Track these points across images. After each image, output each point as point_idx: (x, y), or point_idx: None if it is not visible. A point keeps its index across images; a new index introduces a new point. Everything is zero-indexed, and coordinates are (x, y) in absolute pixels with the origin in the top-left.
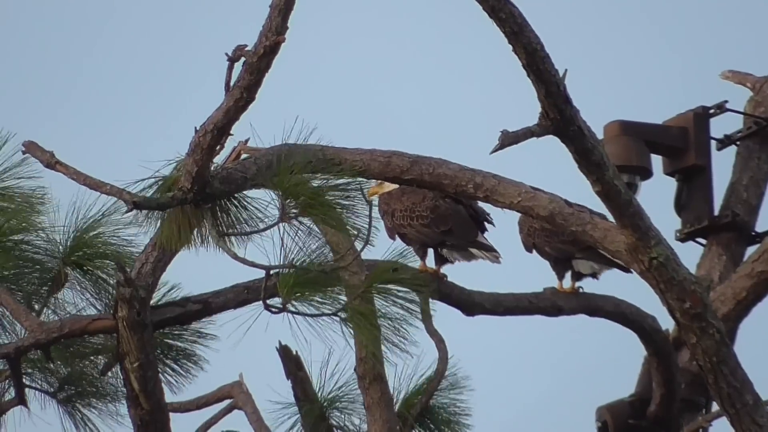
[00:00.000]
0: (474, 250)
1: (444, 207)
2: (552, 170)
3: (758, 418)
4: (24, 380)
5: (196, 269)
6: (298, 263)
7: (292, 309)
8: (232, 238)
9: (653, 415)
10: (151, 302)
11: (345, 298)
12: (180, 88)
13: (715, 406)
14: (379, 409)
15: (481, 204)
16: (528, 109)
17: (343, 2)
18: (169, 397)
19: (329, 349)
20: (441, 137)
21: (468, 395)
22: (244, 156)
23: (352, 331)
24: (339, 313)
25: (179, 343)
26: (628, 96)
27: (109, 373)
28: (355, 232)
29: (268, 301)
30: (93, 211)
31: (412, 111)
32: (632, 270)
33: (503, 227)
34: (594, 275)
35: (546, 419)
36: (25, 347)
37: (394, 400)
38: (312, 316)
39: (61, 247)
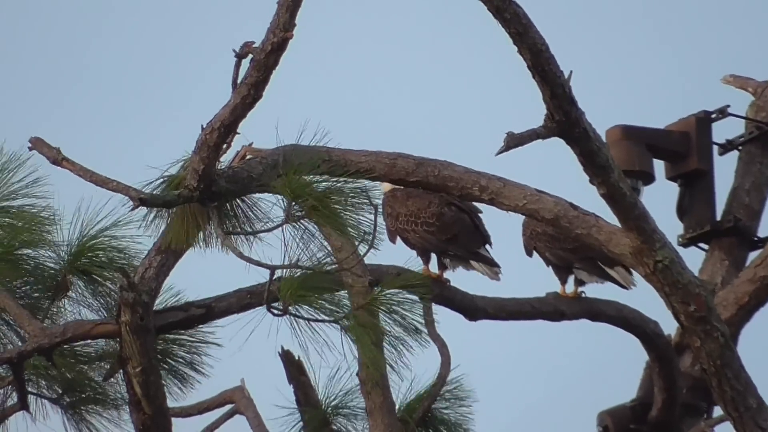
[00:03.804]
0: (475, 264)
1: (449, 215)
2: (557, 173)
3: (762, 422)
4: (27, 387)
5: (200, 274)
6: (303, 264)
7: (294, 312)
8: (237, 241)
9: (655, 420)
10: (154, 307)
11: (348, 305)
12: (187, 86)
13: (717, 411)
14: (381, 414)
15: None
16: (533, 111)
17: (350, 3)
18: (171, 402)
19: (335, 355)
20: (446, 139)
21: (470, 400)
22: (249, 157)
23: (354, 340)
24: (340, 322)
25: (182, 348)
26: (630, 100)
27: (112, 379)
28: (360, 236)
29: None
30: (99, 218)
31: (417, 112)
32: (629, 288)
33: (508, 231)
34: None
35: (547, 423)
36: (28, 352)
37: (397, 404)
38: (313, 320)
39: (65, 256)
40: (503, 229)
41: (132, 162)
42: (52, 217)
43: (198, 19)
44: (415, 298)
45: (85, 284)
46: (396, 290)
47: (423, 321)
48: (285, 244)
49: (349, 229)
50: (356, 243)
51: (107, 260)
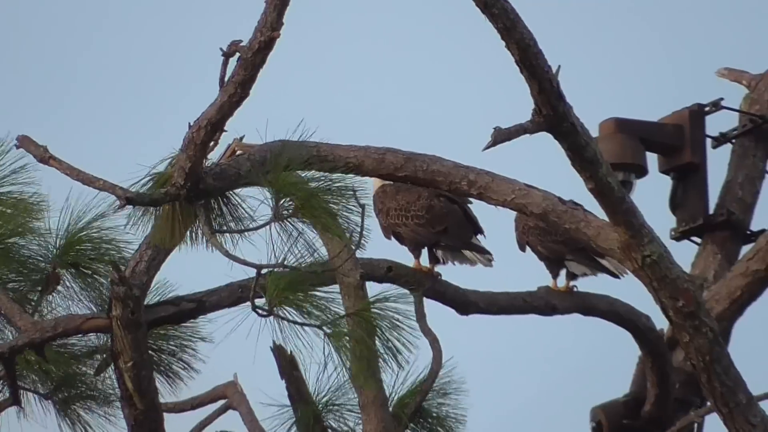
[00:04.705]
0: (467, 252)
1: (439, 207)
2: (547, 167)
3: (751, 418)
4: (19, 382)
5: (190, 269)
6: (290, 264)
7: (280, 314)
8: (225, 238)
9: (648, 415)
10: (145, 301)
11: (335, 308)
12: (174, 84)
13: (708, 403)
14: (373, 408)
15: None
16: (521, 105)
17: (338, 0)
18: (163, 398)
19: (322, 355)
20: (435, 134)
21: (462, 395)
22: (238, 153)
23: (338, 349)
24: (325, 327)
25: (173, 343)
26: (623, 93)
27: (104, 375)
28: (348, 234)
29: (256, 302)
30: (87, 211)
31: (406, 108)
32: (620, 276)
33: (499, 225)
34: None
35: (540, 419)
36: (19, 346)
37: (389, 399)
38: (298, 324)
39: (54, 249)
40: (494, 223)
41: (123, 160)
42: (41, 203)
43: (190, 18)
44: (406, 304)
45: (74, 277)
46: (386, 289)
47: (414, 325)
48: (272, 242)
49: (338, 226)
50: (345, 240)
51: (97, 253)
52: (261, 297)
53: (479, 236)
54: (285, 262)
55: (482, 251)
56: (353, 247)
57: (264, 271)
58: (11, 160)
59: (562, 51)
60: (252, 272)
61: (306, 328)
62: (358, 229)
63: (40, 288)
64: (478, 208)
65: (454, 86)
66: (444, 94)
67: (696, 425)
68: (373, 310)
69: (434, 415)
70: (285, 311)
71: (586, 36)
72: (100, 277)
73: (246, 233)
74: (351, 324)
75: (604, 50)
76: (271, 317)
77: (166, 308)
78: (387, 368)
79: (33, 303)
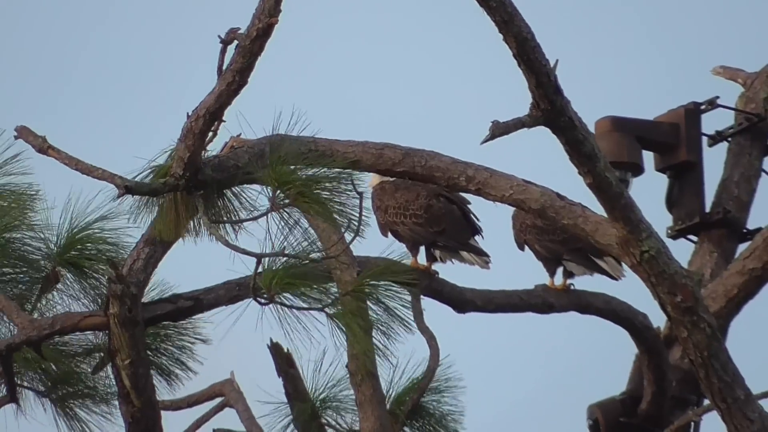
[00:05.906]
0: (464, 254)
1: (438, 207)
2: (546, 163)
3: (749, 413)
4: (16, 380)
5: (188, 267)
6: (289, 252)
7: (280, 301)
8: (224, 229)
9: (644, 413)
10: (143, 299)
11: (335, 293)
12: (172, 74)
13: (706, 401)
14: (370, 406)
15: (472, 199)
16: (519, 100)
17: None
18: (160, 395)
19: (323, 348)
20: (433, 129)
21: (459, 392)
22: (236, 147)
23: (341, 328)
24: (327, 309)
25: (170, 341)
26: (619, 92)
27: (101, 373)
28: (346, 224)
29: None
30: (88, 209)
31: (404, 103)
32: (618, 278)
33: (496, 223)
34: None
35: (537, 417)
36: (17, 344)
37: (386, 397)
38: (300, 308)
39: (54, 246)
40: (491, 221)
41: (125, 155)
42: (36, 193)
43: (186, 6)
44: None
45: (74, 276)
46: (383, 280)
47: (410, 305)
48: (270, 232)
49: (335, 216)
50: (342, 230)
51: (97, 252)
52: (260, 287)
53: (477, 237)
54: (284, 251)
55: (480, 253)
56: (352, 235)
57: (264, 260)
58: (2, 149)
59: (556, 49)
60: (250, 267)
61: (307, 312)
62: (356, 217)
63: (39, 286)
64: (476, 203)
65: (452, 81)
66: (442, 88)
67: (693, 424)
68: (370, 283)
69: (432, 412)
70: (285, 298)
71: (581, 33)
72: (100, 277)
73: (245, 223)
74: (350, 303)
75: (600, 48)
76: (272, 305)
77: (164, 306)
78: (386, 356)
79: (32, 302)
